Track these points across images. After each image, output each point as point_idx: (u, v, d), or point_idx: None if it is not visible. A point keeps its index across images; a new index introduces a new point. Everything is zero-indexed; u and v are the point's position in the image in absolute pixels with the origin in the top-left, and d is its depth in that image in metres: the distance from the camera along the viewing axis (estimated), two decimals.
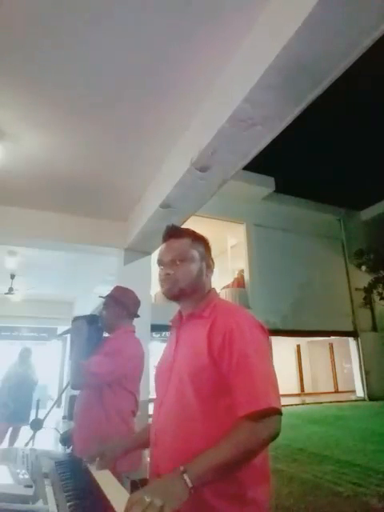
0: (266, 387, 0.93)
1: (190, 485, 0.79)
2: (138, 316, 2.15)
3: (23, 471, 0.97)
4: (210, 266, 1.23)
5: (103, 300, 2.12)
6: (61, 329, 12.53)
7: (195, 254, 1.18)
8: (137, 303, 2.15)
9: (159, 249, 1.25)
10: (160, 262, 1.21)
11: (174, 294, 1.16)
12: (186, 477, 0.80)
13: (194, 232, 1.26)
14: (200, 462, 0.84)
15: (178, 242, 1.19)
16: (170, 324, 1.26)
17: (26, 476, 0.94)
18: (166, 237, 1.23)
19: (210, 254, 1.26)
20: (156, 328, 4.18)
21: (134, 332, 2.09)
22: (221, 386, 0.99)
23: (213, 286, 1.25)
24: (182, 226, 1.32)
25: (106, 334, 2.11)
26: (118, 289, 2.18)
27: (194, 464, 0.84)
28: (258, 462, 0.95)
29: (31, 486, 0.87)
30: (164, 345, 1.29)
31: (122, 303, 2.06)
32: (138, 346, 2.00)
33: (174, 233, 1.22)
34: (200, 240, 1.24)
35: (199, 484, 0.81)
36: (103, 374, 1.80)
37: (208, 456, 0.85)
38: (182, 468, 0.82)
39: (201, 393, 1.01)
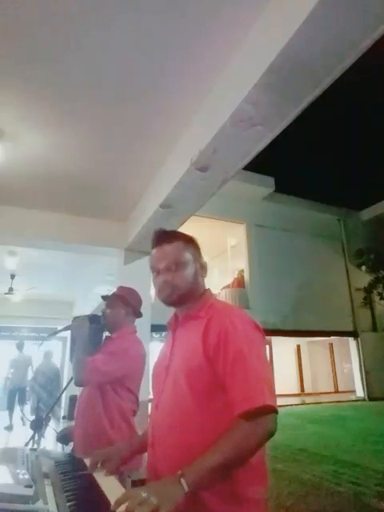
0: (261, 385, 0.93)
1: (186, 489, 0.80)
2: (141, 315, 2.15)
3: (23, 471, 0.97)
4: (203, 267, 1.22)
5: (105, 299, 2.12)
6: None
7: (189, 256, 1.17)
8: (141, 303, 2.15)
9: (151, 255, 1.21)
10: (154, 269, 1.18)
11: (174, 300, 1.15)
12: (183, 481, 0.81)
13: (183, 234, 1.23)
14: (197, 467, 0.85)
15: (170, 247, 1.16)
16: (167, 325, 1.25)
17: (26, 476, 0.94)
18: (157, 242, 1.19)
19: (201, 255, 1.24)
20: (156, 328, 4.18)
21: (136, 332, 2.10)
22: (216, 384, 1.00)
23: (208, 287, 1.24)
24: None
25: (106, 333, 2.12)
26: (122, 289, 2.17)
27: (191, 469, 0.84)
28: (254, 460, 0.94)
29: (31, 486, 0.87)
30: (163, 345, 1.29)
31: (129, 303, 2.07)
32: (141, 346, 2.01)
33: (165, 237, 1.19)
34: (191, 242, 1.22)
35: (196, 488, 0.83)
36: (109, 372, 1.80)
37: (205, 460, 0.86)
38: (180, 472, 0.83)
39: (197, 392, 1.01)
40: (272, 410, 0.91)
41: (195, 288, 1.17)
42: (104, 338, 2.13)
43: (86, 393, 1.94)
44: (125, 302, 2.06)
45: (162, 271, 1.15)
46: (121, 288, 2.19)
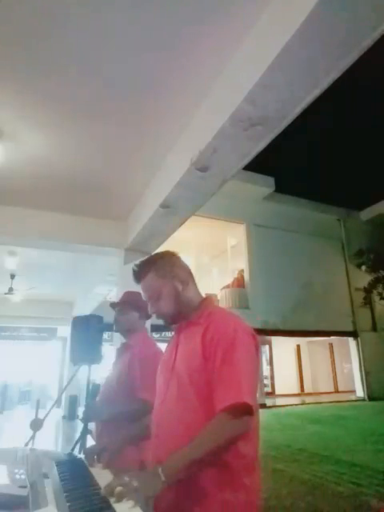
0: (242, 384, 1.02)
1: (163, 479, 0.93)
2: (150, 316, 2.16)
3: (21, 471, 0.97)
4: (183, 280, 1.27)
5: (114, 306, 2.14)
6: (61, 329, 12.52)
7: (164, 282, 1.25)
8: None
9: None
10: (145, 299, 1.33)
11: (169, 322, 1.29)
12: (160, 473, 0.94)
13: (154, 259, 1.31)
14: (173, 461, 0.98)
15: (144, 282, 1.28)
16: (172, 328, 1.34)
17: (23, 476, 0.94)
18: (135, 281, 1.32)
19: (180, 265, 1.30)
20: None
21: (147, 332, 2.12)
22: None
23: (208, 295, 1.35)
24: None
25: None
26: (132, 293, 2.16)
27: (168, 462, 0.98)
28: (249, 451, 1.06)
29: (25, 487, 0.87)
30: (163, 344, 1.37)
31: (139, 307, 2.07)
32: (156, 347, 2.01)
33: (137, 275, 1.30)
34: (163, 263, 1.29)
35: (172, 480, 0.95)
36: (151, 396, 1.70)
37: (181, 455, 0.98)
38: (160, 466, 0.97)
39: (198, 389, 1.09)
40: (248, 407, 1.00)
41: (183, 304, 1.26)
42: (121, 345, 2.13)
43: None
44: (136, 305, 2.07)
45: (148, 303, 1.30)
46: (129, 293, 2.18)
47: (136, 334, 2.05)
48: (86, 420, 2.05)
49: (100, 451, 1.32)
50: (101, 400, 2.01)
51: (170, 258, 1.32)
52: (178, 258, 1.34)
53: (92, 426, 2.13)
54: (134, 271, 1.31)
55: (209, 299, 1.31)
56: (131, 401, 1.75)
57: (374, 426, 7.56)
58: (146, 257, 1.37)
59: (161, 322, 1.31)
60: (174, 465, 0.97)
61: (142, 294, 1.31)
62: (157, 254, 1.36)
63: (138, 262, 1.34)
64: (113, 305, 2.16)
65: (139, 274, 1.30)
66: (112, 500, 0.89)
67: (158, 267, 1.28)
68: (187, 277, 1.29)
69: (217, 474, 1.02)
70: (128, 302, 2.11)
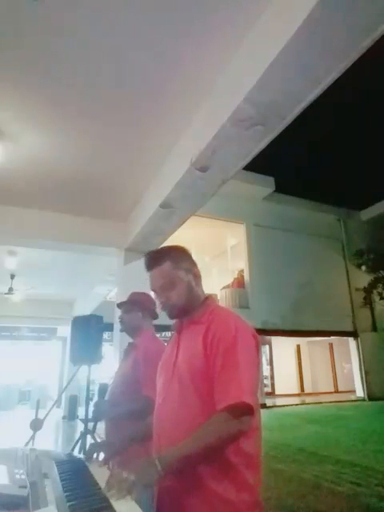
0: (243, 384, 1.02)
1: (160, 469, 0.95)
2: (157, 316, 2.17)
3: (21, 471, 0.97)
4: (196, 275, 1.28)
5: (120, 306, 2.17)
6: (61, 329, 12.52)
7: (180, 273, 1.24)
8: (155, 304, 2.17)
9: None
10: (152, 290, 1.28)
11: (175, 315, 1.27)
12: (157, 463, 0.96)
13: (172, 249, 1.30)
14: (171, 453, 1.01)
15: (160, 270, 1.24)
16: (173, 326, 1.34)
17: (23, 476, 0.94)
18: (147, 266, 1.27)
19: (193, 261, 1.30)
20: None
21: (153, 331, 2.14)
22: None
23: (209, 294, 1.33)
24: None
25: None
26: (136, 293, 2.21)
27: (166, 454, 1.01)
28: (251, 450, 1.07)
29: (25, 487, 0.87)
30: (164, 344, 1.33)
31: (145, 306, 2.11)
32: (161, 346, 2.00)
33: (153, 261, 1.26)
34: (180, 255, 1.28)
35: (168, 470, 0.97)
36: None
37: (179, 448, 1.00)
38: (157, 456, 0.99)
39: (200, 389, 1.10)
40: (248, 407, 1.00)
41: (192, 299, 1.25)
42: (128, 345, 2.15)
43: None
44: (140, 305, 2.11)
45: (158, 292, 1.26)
46: (134, 293, 2.23)
47: (142, 333, 2.08)
48: (95, 419, 2.07)
49: (103, 448, 1.33)
50: (109, 399, 2.02)
51: (185, 251, 1.31)
52: (190, 255, 1.33)
53: (94, 425, 2.13)
54: (148, 257, 1.27)
55: (211, 298, 1.30)
56: (137, 399, 1.76)
57: (374, 426, 7.56)
58: (160, 247, 1.33)
59: (161, 322, 1.31)
60: (170, 456, 0.99)
61: (153, 281, 1.26)
62: (172, 245, 1.33)
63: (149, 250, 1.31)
64: (119, 305, 2.20)
65: (155, 260, 1.26)
66: (112, 499, 0.89)
67: (176, 258, 1.26)
68: (199, 273, 1.29)
69: (220, 471, 1.03)
70: (132, 302, 2.15)
